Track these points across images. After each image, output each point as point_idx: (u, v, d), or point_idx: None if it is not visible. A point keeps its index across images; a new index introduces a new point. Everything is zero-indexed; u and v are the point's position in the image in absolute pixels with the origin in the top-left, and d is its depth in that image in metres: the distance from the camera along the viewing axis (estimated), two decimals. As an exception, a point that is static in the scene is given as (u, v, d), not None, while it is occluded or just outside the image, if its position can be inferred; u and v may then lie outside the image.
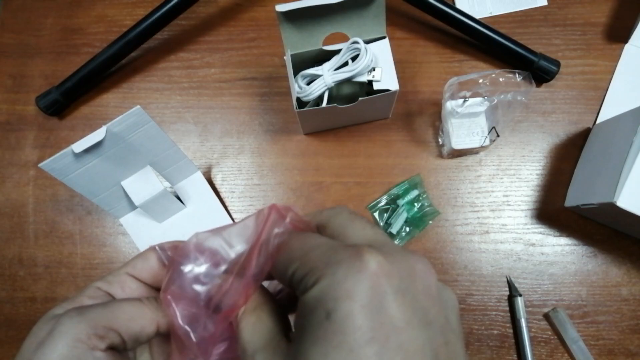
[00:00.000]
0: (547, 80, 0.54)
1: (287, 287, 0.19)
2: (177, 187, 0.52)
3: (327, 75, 0.45)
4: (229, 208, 0.53)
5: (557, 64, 0.53)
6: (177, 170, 0.50)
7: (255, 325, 0.19)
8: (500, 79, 0.48)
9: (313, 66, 0.46)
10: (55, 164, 0.40)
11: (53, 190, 0.54)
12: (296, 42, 0.45)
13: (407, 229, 0.50)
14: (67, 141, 0.55)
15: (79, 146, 0.39)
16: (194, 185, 0.52)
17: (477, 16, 0.55)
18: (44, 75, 0.58)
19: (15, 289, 0.52)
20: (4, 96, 0.57)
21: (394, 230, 0.50)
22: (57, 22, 0.59)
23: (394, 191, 0.52)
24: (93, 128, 0.40)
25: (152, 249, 0.23)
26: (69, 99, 0.55)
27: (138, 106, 0.40)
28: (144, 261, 0.23)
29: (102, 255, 0.52)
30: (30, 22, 0.59)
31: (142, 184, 0.46)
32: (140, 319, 0.21)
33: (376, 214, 0.51)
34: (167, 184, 0.52)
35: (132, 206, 0.50)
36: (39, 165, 0.39)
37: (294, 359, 0.16)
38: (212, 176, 0.54)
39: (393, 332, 0.14)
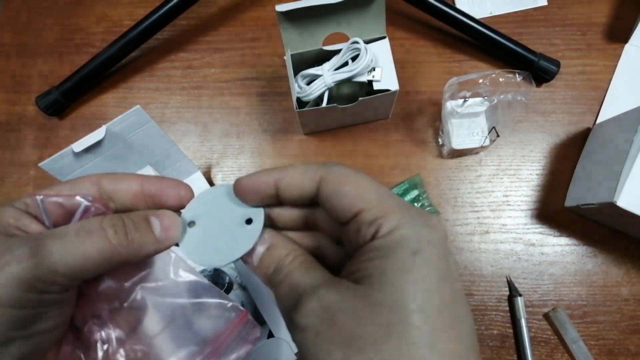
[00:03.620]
0: (547, 80, 0.54)
1: (335, 219, 0.21)
2: None
3: (327, 75, 0.45)
4: (229, 208, 0.53)
5: (557, 64, 0.53)
6: (177, 170, 0.50)
7: (306, 265, 0.20)
8: (500, 79, 0.48)
9: (313, 66, 0.46)
10: (55, 163, 0.40)
11: (53, 190, 0.54)
12: (296, 42, 0.45)
13: (407, 229, 0.50)
14: (67, 141, 0.55)
15: (79, 145, 0.39)
16: (194, 185, 0.52)
17: (477, 16, 0.55)
18: (44, 75, 0.58)
19: (15, 289, 0.52)
20: (4, 96, 0.57)
21: (394, 230, 0.50)
22: (57, 22, 0.59)
23: (394, 191, 0.52)
24: (93, 128, 0.40)
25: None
26: (69, 99, 0.55)
27: (138, 106, 0.40)
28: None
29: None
30: (30, 22, 0.60)
31: None
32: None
33: (376, 214, 0.51)
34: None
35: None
36: (39, 164, 0.39)
37: (376, 290, 0.17)
38: (212, 176, 0.54)
39: (454, 279, 0.18)
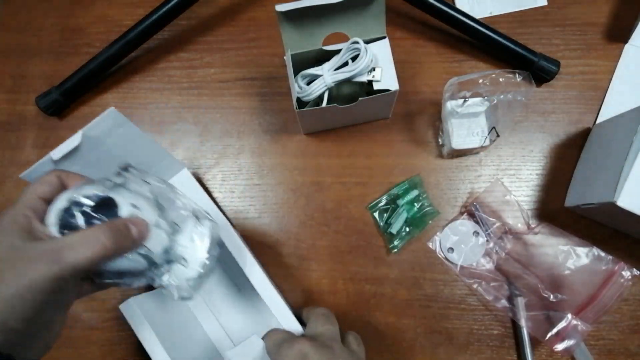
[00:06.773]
0: (547, 80, 0.54)
1: None
2: None
3: (327, 75, 0.45)
4: (228, 208, 0.53)
5: (557, 64, 0.53)
6: (163, 168, 0.48)
7: None
8: (500, 79, 0.48)
9: (313, 66, 0.46)
10: (36, 173, 0.37)
11: (53, 190, 0.54)
12: (296, 42, 0.45)
13: (407, 229, 0.50)
14: (67, 141, 0.55)
15: (57, 153, 0.37)
16: (182, 183, 0.50)
17: (477, 16, 0.55)
18: (44, 75, 0.58)
19: (15, 289, 0.52)
20: (4, 96, 0.57)
21: (394, 230, 0.50)
22: (57, 22, 0.59)
23: (394, 191, 0.52)
24: (93, 128, 0.39)
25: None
26: (69, 99, 0.55)
27: (112, 107, 0.38)
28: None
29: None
30: (30, 22, 0.60)
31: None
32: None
33: (376, 214, 0.51)
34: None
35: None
36: (20, 175, 0.36)
37: None
38: (212, 176, 0.54)
39: None
